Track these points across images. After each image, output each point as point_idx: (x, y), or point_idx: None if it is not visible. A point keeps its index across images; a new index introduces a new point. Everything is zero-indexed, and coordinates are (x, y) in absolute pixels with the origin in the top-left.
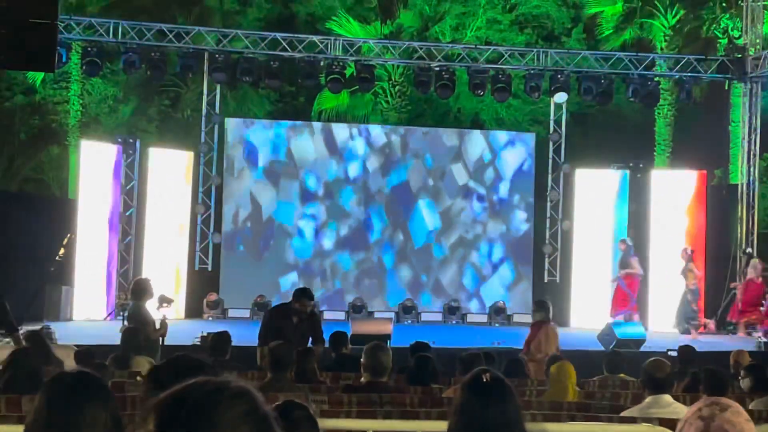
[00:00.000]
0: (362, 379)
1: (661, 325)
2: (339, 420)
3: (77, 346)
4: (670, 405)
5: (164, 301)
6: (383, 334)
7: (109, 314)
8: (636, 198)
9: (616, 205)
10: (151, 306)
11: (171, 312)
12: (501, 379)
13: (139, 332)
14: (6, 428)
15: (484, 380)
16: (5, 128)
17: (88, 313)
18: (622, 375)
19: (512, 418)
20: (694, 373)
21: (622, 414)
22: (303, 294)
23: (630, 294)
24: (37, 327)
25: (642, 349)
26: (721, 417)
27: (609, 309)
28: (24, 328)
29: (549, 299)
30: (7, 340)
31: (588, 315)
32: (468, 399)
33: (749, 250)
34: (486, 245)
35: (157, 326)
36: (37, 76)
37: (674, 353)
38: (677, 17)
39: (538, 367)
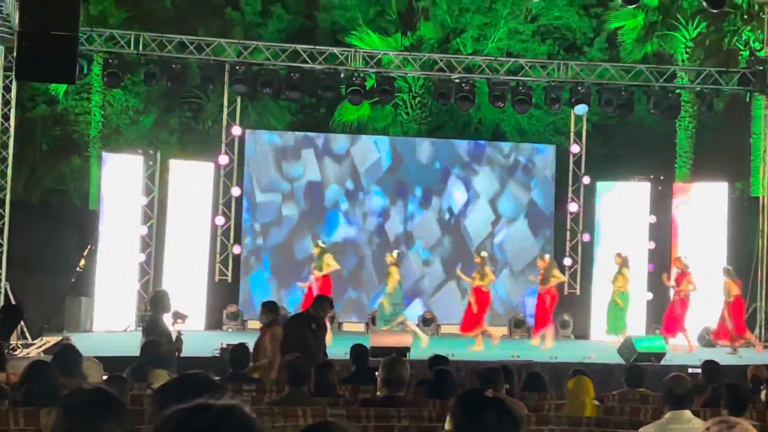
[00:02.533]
0: (379, 393)
1: (683, 339)
2: None
3: (96, 357)
4: (689, 421)
5: (178, 317)
6: (402, 346)
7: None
8: (657, 210)
9: (636, 217)
10: (167, 320)
11: (189, 324)
12: (497, 399)
13: (159, 345)
14: None
15: (475, 399)
16: (27, 139)
17: (108, 324)
18: (642, 389)
19: None
20: (714, 389)
21: (641, 430)
22: (324, 300)
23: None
24: (57, 338)
25: (662, 362)
26: None
27: (664, 327)
28: (45, 339)
29: (569, 312)
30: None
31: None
32: (461, 417)
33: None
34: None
35: (173, 339)
36: (59, 87)
37: (695, 370)
38: (698, 29)
39: (262, 372)
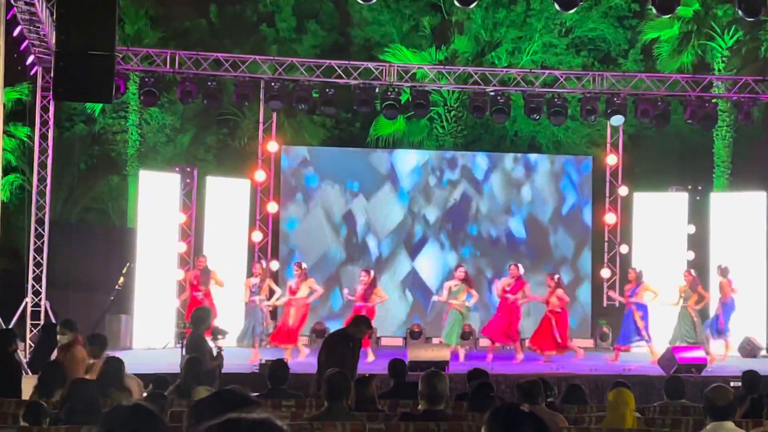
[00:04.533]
0: (420, 407)
1: (722, 349)
2: None
3: (137, 374)
4: None
5: (218, 333)
6: (441, 360)
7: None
8: (695, 220)
9: (675, 227)
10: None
11: (228, 339)
12: (530, 414)
13: (201, 362)
14: None
15: (510, 414)
16: (65, 158)
17: (147, 341)
18: (683, 401)
19: None
20: (753, 399)
21: None
22: (363, 323)
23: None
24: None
25: (704, 373)
26: None
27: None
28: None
29: (608, 323)
30: None
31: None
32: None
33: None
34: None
35: (214, 356)
36: (96, 106)
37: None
38: (734, 38)
39: None
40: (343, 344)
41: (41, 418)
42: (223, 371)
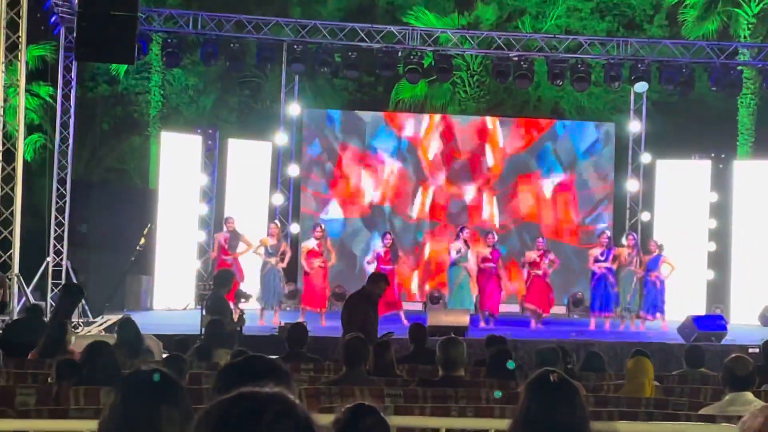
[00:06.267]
0: (440, 373)
1: (744, 318)
2: (413, 417)
3: (156, 335)
4: (750, 403)
5: (241, 296)
6: (460, 326)
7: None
8: (718, 188)
9: (697, 195)
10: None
11: (251, 303)
12: (567, 381)
13: (222, 324)
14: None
15: (551, 380)
16: (88, 119)
17: (167, 302)
18: (702, 369)
19: (578, 421)
20: None
21: (701, 411)
22: (381, 279)
23: None
24: (118, 316)
25: (724, 342)
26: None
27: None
28: (106, 317)
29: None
30: (88, 329)
31: (670, 307)
32: (532, 401)
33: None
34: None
35: (235, 319)
36: (120, 67)
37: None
38: (761, 5)
39: None
40: (366, 303)
41: (74, 375)
42: (243, 333)
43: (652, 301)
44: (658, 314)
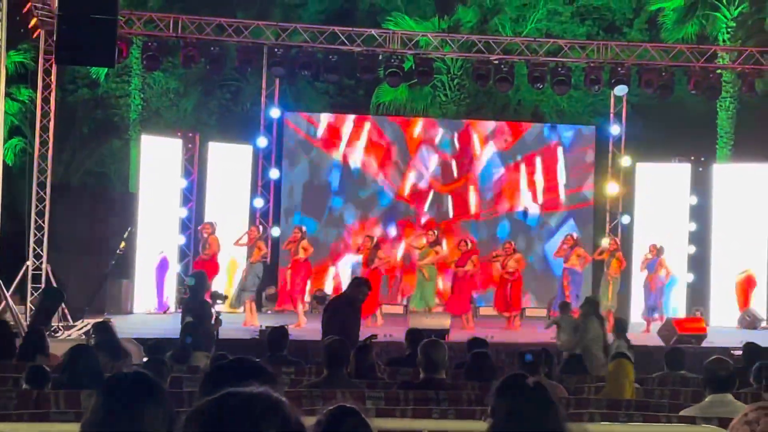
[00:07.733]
0: (421, 375)
1: (723, 320)
2: (394, 420)
3: (137, 339)
4: (730, 404)
5: (217, 297)
6: (441, 329)
7: (163, 308)
8: (698, 192)
9: (677, 199)
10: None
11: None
12: (542, 386)
13: (198, 327)
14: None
15: (527, 385)
16: (69, 122)
17: (148, 306)
18: (682, 371)
19: (551, 426)
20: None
21: (681, 413)
22: (363, 284)
23: None
24: (98, 320)
25: (703, 344)
26: (766, 420)
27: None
28: (86, 321)
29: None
30: (68, 332)
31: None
32: (500, 404)
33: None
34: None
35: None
36: (100, 71)
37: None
38: (740, 9)
39: None
40: (346, 308)
41: (44, 381)
42: (224, 337)
43: (652, 303)
44: (656, 315)
